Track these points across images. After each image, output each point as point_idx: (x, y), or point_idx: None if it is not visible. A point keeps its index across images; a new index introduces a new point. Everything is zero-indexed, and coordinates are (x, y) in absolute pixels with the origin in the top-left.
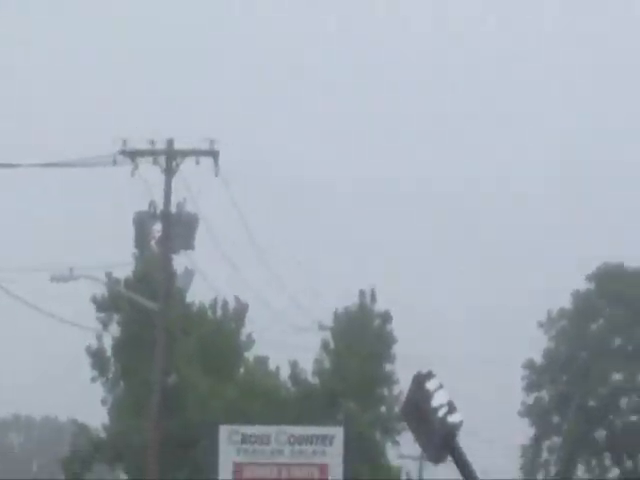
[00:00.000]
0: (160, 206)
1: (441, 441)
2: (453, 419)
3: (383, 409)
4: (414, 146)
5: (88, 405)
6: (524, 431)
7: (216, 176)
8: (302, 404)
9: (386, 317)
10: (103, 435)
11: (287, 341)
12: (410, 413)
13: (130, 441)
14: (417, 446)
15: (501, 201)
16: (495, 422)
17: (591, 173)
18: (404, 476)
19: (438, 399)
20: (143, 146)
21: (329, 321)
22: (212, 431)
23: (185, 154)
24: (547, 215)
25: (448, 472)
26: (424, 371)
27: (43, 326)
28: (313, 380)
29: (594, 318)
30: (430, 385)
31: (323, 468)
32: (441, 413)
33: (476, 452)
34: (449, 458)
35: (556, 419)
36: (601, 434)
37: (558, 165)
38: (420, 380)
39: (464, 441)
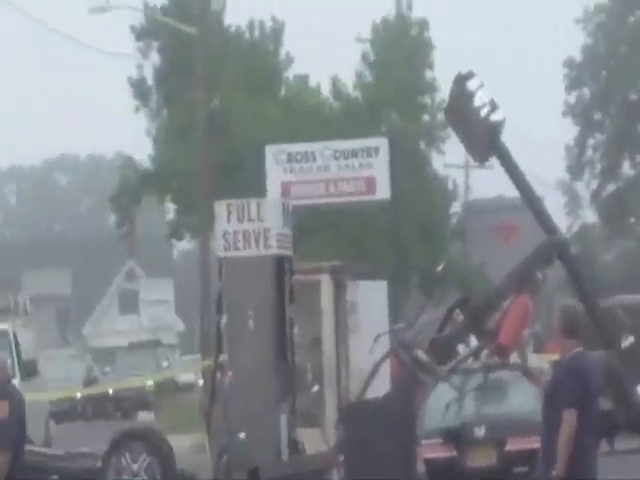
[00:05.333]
0: None
1: (485, 140)
2: (495, 117)
3: (426, 118)
4: None
5: (133, 139)
6: (568, 130)
7: None
8: (345, 119)
9: (423, 24)
10: (150, 166)
11: (326, 55)
12: (453, 115)
13: (177, 168)
14: (463, 153)
15: None
16: (539, 122)
17: None
18: (450, 185)
19: (479, 99)
20: None
21: (367, 34)
22: (258, 153)
23: None
24: None
25: (492, 178)
26: (464, 71)
27: (83, 58)
28: (354, 94)
29: (632, 10)
30: (471, 85)
31: (370, 181)
32: (483, 113)
33: (520, 153)
34: (494, 157)
35: (598, 116)
36: None
37: None
38: (461, 80)
39: (509, 142)
